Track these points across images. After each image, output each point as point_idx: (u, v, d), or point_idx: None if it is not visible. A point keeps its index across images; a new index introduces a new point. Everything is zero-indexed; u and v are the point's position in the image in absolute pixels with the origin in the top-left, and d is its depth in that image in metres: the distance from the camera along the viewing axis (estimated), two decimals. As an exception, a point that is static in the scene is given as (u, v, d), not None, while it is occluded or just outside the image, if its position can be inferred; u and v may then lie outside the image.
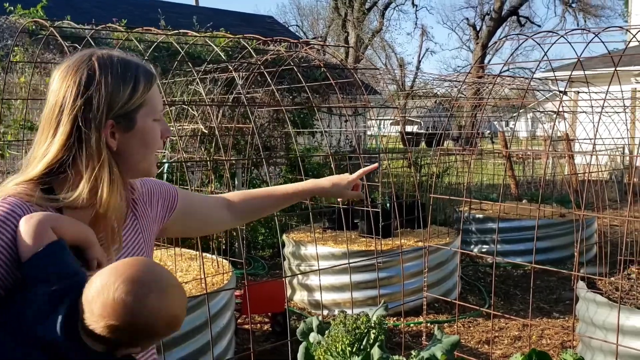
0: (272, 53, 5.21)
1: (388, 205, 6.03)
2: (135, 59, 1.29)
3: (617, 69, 3.84)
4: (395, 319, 5.24)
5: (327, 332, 1.92)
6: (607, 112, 8.18)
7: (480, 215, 7.73)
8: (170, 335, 1.09)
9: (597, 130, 4.17)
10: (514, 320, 5.23)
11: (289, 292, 5.83)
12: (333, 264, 5.16)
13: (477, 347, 4.72)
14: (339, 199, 2.11)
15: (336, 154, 7.78)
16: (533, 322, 5.27)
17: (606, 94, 3.90)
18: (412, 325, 5.17)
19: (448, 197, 5.75)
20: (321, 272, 5.49)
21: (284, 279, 4.81)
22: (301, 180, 3.11)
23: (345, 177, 1.85)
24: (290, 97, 8.10)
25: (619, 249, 4.82)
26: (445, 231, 6.22)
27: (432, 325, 5.16)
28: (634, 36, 3.98)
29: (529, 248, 7.23)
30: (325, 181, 1.86)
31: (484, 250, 7.58)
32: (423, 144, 13.20)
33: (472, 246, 7.69)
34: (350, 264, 5.00)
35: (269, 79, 4.13)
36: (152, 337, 1.05)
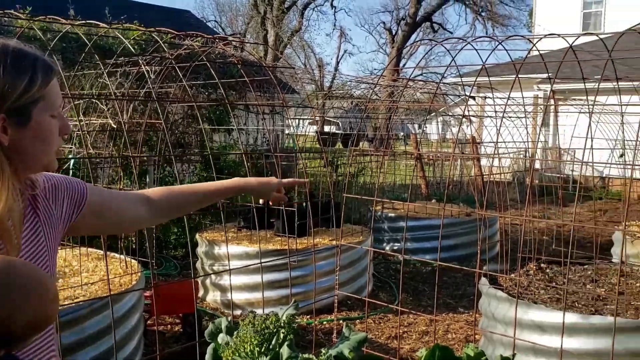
0: (186, 48, 5.11)
1: (304, 204, 6.06)
2: (33, 51, 1.23)
3: (520, 76, 4.07)
4: (309, 317, 5.28)
5: (235, 332, 1.91)
6: (509, 117, 8.64)
7: (392, 214, 7.94)
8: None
9: (498, 134, 4.39)
10: (422, 315, 5.42)
11: (201, 292, 5.74)
12: (248, 263, 5.13)
13: (387, 342, 4.85)
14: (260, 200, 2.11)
15: (252, 153, 7.74)
16: (439, 317, 5.49)
17: (507, 100, 4.12)
18: (324, 322, 5.24)
19: (360, 196, 5.87)
20: (235, 272, 5.45)
21: (193, 279, 4.74)
22: (215, 179, 3.07)
23: (273, 179, 1.90)
24: (206, 93, 7.96)
25: (519, 247, 5.12)
26: (359, 230, 6.34)
27: (344, 323, 5.25)
28: (534, 45, 4.23)
29: (436, 246, 7.52)
30: (253, 180, 1.87)
31: (395, 248, 7.79)
32: (339, 144, 13.38)
33: (384, 244, 7.89)
34: (263, 264, 5.01)
35: (180, 75, 4.04)
36: (20, 340, 1.00)
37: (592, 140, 5.53)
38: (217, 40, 5.69)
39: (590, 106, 4.78)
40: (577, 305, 4.09)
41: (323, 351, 2.12)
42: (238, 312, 5.40)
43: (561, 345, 3.19)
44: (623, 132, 5.46)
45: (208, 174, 7.11)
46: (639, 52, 5.68)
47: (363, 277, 5.98)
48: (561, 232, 8.93)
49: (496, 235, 7.91)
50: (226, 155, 7.33)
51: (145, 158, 6.64)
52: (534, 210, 10.12)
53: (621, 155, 7.72)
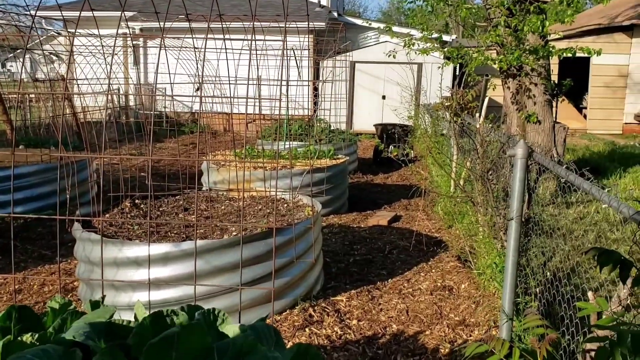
0: None
1: None
2: None
3: (111, 13, 3.88)
4: None
5: None
6: (99, 55, 8.33)
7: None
8: None
9: (72, 72, 4.16)
10: (15, 274, 4.94)
11: None
12: None
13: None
14: None
15: None
16: (32, 271, 5.09)
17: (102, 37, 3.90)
18: None
19: None
20: None
21: None
22: None
23: None
24: None
25: (120, 186, 5.07)
26: None
27: None
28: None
29: (29, 195, 6.91)
30: None
31: (-23, 204, 6.82)
32: None
33: (-38, 202, 6.82)
34: None
35: None
36: None
37: (173, 76, 5.77)
38: None
39: (173, 44, 4.93)
40: (170, 234, 4.31)
41: None
42: None
43: (148, 277, 3.31)
44: (197, 68, 5.85)
45: None
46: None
47: None
48: (157, 167, 9.28)
49: (92, 177, 7.67)
50: None
51: None
52: (131, 148, 10.19)
53: (197, 89, 8.34)
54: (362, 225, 6.64)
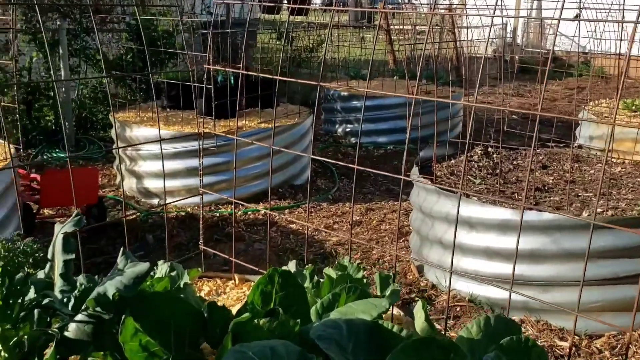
0: None
1: (232, 81, 5.32)
2: None
3: None
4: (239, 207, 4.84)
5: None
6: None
7: (345, 93, 7.24)
8: None
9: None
10: (358, 204, 4.95)
11: (118, 178, 5.21)
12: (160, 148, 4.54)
13: (314, 234, 4.38)
14: None
15: (191, 20, 6.81)
16: (376, 205, 5.01)
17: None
18: (249, 212, 4.75)
19: (264, 74, 5.17)
20: (150, 158, 4.90)
21: (96, 166, 4.18)
22: (146, 51, 2.45)
23: None
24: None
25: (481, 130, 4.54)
26: (296, 110, 5.67)
27: (273, 212, 4.77)
28: None
29: (392, 127, 6.94)
30: None
31: (348, 130, 7.19)
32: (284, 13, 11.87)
33: (336, 126, 7.28)
34: (178, 149, 4.52)
35: None
36: None
37: (561, 11, 4.75)
38: None
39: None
40: (516, 196, 3.57)
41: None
42: (155, 200, 4.89)
43: (453, 243, 2.68)
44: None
45: (136, 45, 6.28)
46: None
47: (299, 162, 5.43)
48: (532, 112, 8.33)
49: (459, 114, 7.27)
50: (158, 24, 6.45)
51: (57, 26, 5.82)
52: (508, 88, 9.42)
53: (576, 17, 6.94)
54: None
